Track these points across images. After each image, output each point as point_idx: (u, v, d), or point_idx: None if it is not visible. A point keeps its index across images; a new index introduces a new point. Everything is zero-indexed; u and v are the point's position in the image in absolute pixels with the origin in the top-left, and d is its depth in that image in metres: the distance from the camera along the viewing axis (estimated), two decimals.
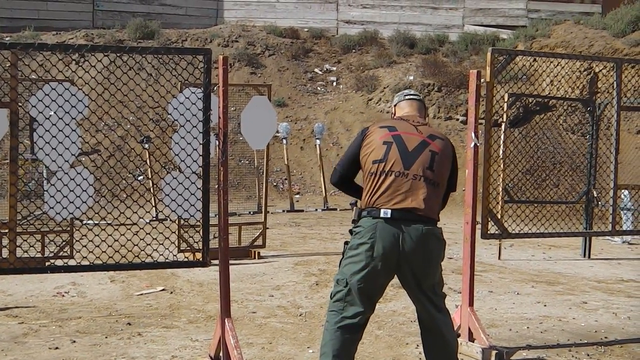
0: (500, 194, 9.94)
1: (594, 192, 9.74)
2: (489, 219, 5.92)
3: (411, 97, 4.83)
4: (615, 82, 6.36)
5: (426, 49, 21.96)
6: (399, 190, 4.36)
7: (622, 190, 12.12)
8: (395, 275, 4.42)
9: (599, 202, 9.62)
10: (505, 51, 6.25)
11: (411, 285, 4.42)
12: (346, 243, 4.50)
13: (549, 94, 18.63)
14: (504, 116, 10.27)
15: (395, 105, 4.88)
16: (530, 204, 11.12)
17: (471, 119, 5.78)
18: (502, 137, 10.19)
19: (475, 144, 5.74)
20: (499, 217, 9.64)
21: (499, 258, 10.27)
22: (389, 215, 4.31)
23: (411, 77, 20.83)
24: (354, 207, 4.55)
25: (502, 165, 9.96)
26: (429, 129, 4.61)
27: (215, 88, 5.51)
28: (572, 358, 5.71)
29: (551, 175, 16.73)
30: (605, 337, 6.33)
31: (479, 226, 5.84)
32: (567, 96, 17.88)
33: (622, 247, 12.06)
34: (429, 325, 4.53)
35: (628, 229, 11.35)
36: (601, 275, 9.38)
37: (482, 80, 5.84)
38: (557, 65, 15.96)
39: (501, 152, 10.06)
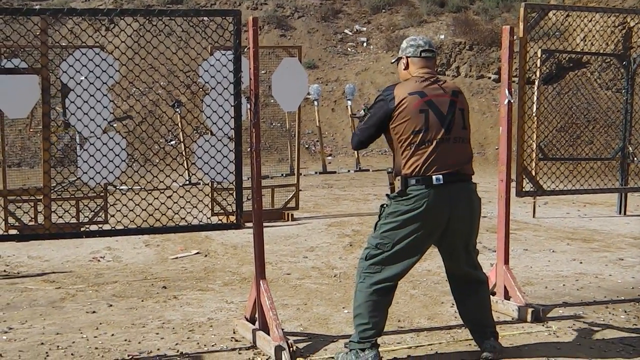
0: (535, 151, 9.84)
1: (630, 148, 9.59)
2: (524, 177, 5.85)
3: (427, 53, 4.68)
4: None
5: (457, 7, 21.70)
6: (445, 155, 4.42)
7: None
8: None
9: (635, 158, 9.48)
10: (539, 6, 6.12)
11: (457, 244, 4.51)
12: (382, 206, 4.51)
13: (583, 50, 18.33)
14: (537, 73, 10.10)
15: (408, 58, 4.67)
16: (565, 161, 11.01)
17: (504, 76, 5.70)
18: (535, 94, 10.03)
19: (509, 101, 5.66)
20: (533, 174, 9.59)
21: (534, 216, 10.20)
22: (441, 181, 4.38)
23: (442, 36, 20.61)
24: (391, 174, 4.59)
25: (535, 123, 9.83)
26: (449, 85, 4.61)
27: (245, 50, 5.47)
28: (609, 314, 5.65)
29: (586, 132, 16.53)
30: None
31: (513, 184, 5.79)
32: (602, 52, 17.60)
33: None
34: (464, 282, 4.60)
35: None
36: (637, 231, 9.29)
37: (514, 36, 5.74)
38: (591, 20, 15.70)
39: (534, 109, 9.91)
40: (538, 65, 10.09)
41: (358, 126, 4.73)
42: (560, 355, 4.73)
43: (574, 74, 18.32)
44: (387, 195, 4.54)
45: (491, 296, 5.70)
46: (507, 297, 5.70)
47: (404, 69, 4.70)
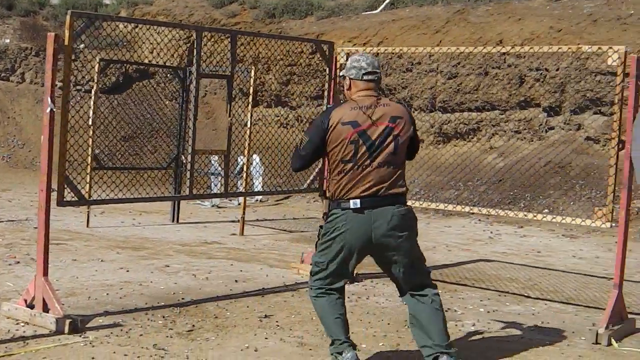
0: (91, 161, 9.81)
1: (184, 158, 10.03)
2: (66, 186, 5.78)
3: (369, 76, 4.73)
4: (195, 50, 6.53)
5: (25, 11, 20.84)
6: (365, 179, 4.58)
7: (212, 156, 12.72)
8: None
9: (186, 168, 9.94)
10: (86, 14, 6.07)
11: (389, 262, 4.68)
12: (321, 227, 4.77)
13: (151, 61, 18.74)
14: (95, 82, 10.06)
15: (351, 79, 4.77)
16: (121, 170, 11.18)
17: (48, 83, 5.57)
18: (92, 103, 9.98)
19: (51, 110, 5.55)
20: (89, 184, 9.55)
21: (88, 225, 10.17)
22: (358, 205, 4.56)
23: (7, 40, 19.68)
24: (322, 197, 4.78)
25: (91, 132, 9.81)
26: (389, 110, 4.66)
27: None
28: (147, 320, 5.83)
29: (151, 141, 16.94)
30: (183, 298, 6.57)
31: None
32: (167, 64, 18.17)
33: (211, 211, 12.64)
34: (412, 296, 4.75)
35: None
36: (186, 238, 9.74)
37: (58, 44, 5.64)
38: (159, 33, 16.14)
39: (91, 119, 9.87)
40: (96, 73, 10.05)
41: (298, 149, 4.82)
42: None
43: (141, 84, 18.71)
44: (323, 217, 4.83)
45: (30, 309, 5.60)
46: (46, 309, 5.58)
47: (347, 89, 4.82)
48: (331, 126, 4.62)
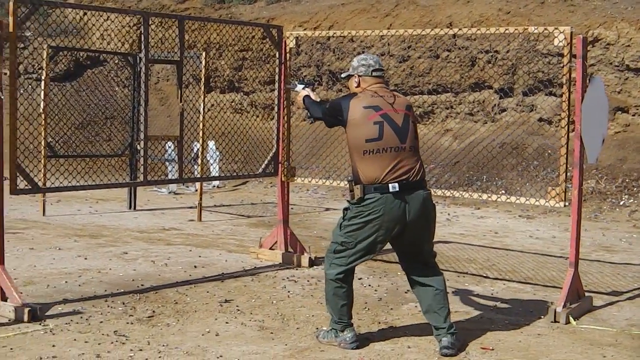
0: (43, 149, 9.72)
1: (137, 144, 9.97)
2: (18, 174, 5.72)
3: (377, 72, 5.05)
4: (143, 36, 6.48)
5: None
6: (400, 164, 4.81)
7: (168, 143, 12.66)
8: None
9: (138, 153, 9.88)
10: (30, 0, 5.95)
11: (412, 246, 4.97)
12: (345, 210, 4.95)
13: (100, 47, 18.52)
14: (45, 70, 9.93)
15: (360, 76, 5.06)
16: (75, 158, 11.08)
17: None
18: (42, 91, 9.85)
19: None
20: (42, 172, 9.46)
21: (44, 214, 10.07)
22: (397, 189, 4.77)
23: None
24: (351, 182, 4.91)
25: (43, 120, 9.71)
26: (401, 100, 4.98)
27: None
28: (107, 307, 5.81)
29: (104, 128, 16.78)
30: (142, 285, 6.55)
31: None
32: (117, 50, 17.96)
33: (168, 198, 12.58)
34: (421, 279, 5.03)
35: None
36: (144, 225, 9.69)
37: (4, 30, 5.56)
38: (107, 19, 15.94)
39: (42, 107, 9.76)
40: (45, 61, 9.93)
41: (317, 107, 5.35)
42: (54, 352, 4.75)
43: (92, 72, 18.50)
44: (348, 201, 4.95)
45: None
46: (4, 298, 5.53)
47: (356, 87, 5.07)
48: (350, 111, 4.89)
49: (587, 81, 5.95)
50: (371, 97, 4.93)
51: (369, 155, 4.84)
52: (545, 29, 6.21)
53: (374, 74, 5.05)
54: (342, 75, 5.34)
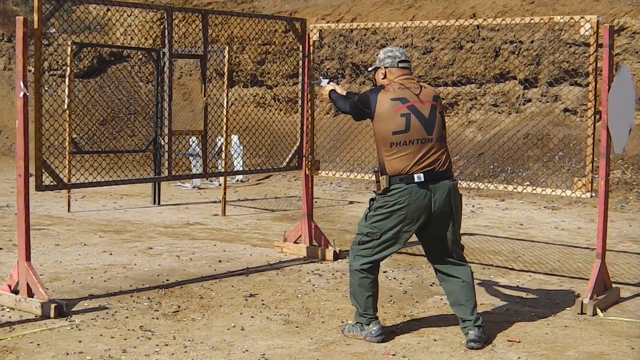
0: (68, 145, 9.77)
1: (161, 140, 9.99)
2: (43, 171, 5.75)
3: (404, 64, 5.07)
4: (167, 30, 6.48)
5: None
6: (426, 155, 4.83)
7: (191, 137, 12.68)
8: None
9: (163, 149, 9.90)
10: None
11: (439, 237, 4.94)
12: (371, 200, 4.98)
13: (123, 43, 18.58)
14: (69, 66, 9.97)
15: (386, 68, 5.07)
16: (99, 154, 11.15)
17: (19, 67, 5.52)
18: (66, 87, 9.90)
19: (24, 94, 5.51)
20: (67, 168, 9.52)
21: (69, 210, 10.13)
22: (422, 179, 4.79)
23: None
24: (377, 173, 4.95)
25: (68, 117, 9.75)
26: (429, 91, 4.99)
27: None
28: (133, 303, 5.82)
29: (128, 124, 16.84)
30: (167, 280, 6.57)
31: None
32: (140, 46, 18.01)
33: (192, 192, 12.61)
34: (448, 272, 5.03)
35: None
36: (168, 220, 9.72)
37: (28, 27, 5.58)
38: (131, 14, 16.00)
39: (66, 103, 9.80)
40: (69, 57, 9.97)
41: (344, 101, 5.44)
42: (80, 347, 4.76)
43: (115, 68, 18.56)
44: (374, 191, 4.97)
45: (15, 295, 5.58)
46: (31, 294, 5.57)
47: (382, 78, 5.09)
48: (378, 103, 4.91)
49: (614, 70, 5.87)
50: (398, 89, 4.95)
51: (395, 147, 4.86)
52: (571, 18, 6.13)
53: (400, 65, 5.08)
54: (369, 69, 5.33)
